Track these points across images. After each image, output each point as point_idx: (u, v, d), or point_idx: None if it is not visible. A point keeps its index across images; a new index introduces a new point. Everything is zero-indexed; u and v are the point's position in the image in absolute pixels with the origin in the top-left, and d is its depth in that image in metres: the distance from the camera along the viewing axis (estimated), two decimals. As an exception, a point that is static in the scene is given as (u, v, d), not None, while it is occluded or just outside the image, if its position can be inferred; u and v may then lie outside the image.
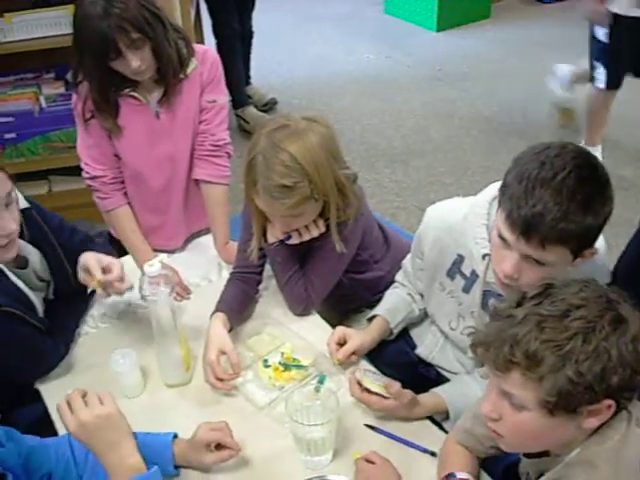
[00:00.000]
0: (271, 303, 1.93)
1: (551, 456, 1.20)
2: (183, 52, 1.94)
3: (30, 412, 1.68)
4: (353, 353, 1.69)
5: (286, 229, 1.74)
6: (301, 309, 1.87)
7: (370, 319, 1.82)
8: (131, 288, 1.71)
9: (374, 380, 1.57)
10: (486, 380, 1.21)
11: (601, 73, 3.38)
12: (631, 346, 1.05)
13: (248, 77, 4.34)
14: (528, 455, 1.26)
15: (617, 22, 3.18)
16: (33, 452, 1.37)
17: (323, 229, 1.75)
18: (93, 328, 1.88)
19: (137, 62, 1.80)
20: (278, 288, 1.90)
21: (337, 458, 1.50)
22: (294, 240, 1.77)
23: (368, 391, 1.54)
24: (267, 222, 1.77)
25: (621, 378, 1.04)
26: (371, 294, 1.96)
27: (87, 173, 2.07)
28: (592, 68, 3.44)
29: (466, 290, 1.62)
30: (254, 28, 4.17)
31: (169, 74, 1.91)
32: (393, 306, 1.82)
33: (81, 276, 1.71)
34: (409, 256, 1.84)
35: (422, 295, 1.80)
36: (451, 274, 1.65)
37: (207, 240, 2.20)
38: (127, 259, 2.11)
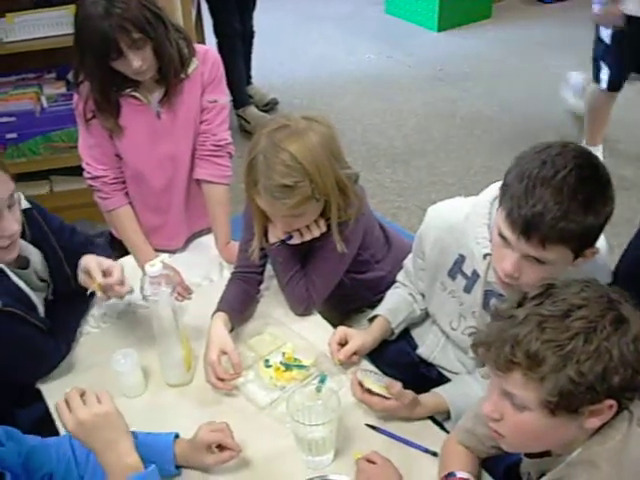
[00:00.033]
0: (272, 303, 1.93)
1: (552, 456, 1.20)
2: (184, 52, 1.94)
3: (31, 412, 1.69)
4: (354, 353, 1.69)
5: (287, 229, 1.74)
6: (302, 309, 1.87)
7: (371, 319, 1.82)
8: (131, 292, 1.71)
9: (375, 380, 1.57)
10: (487, 380, 1.21)
11: (605, 74, 3.40)
12: (632, 346, 1.05)
13: (249, 77, 4.35)
14: (529, 455, 1.26)
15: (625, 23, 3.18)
16: (33, 452, 1.37)
17: (324, 229, 1.75)
18: (94, 328, 1.88)
19: (138, 62, 1.80)
20: (279, 288, 1.90)
21: (338, 458, 1.50)
22: (295, 240, 1.77)
23: (369, 392, 1.54)
24: (268, 222, 1.77)
25: (622, 378, 1.04)
26: (372, 294, 1.96)
27: (88, 173, 2.07)
28: (596, 68, 3.45)
29: (467, 290, 1.62)
30: (255, 28, 4.17)
31: (170, 74, 1.91)
32: (394, 306, 1.82)
33: (81, 278, 1.71)
34: (410, 256, 1.84)
35: (423, 295, 1.80)
36: (452, 274, 1.65)
37: (208, 240, 2.20)
38: (128, 259, 2.11)
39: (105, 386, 1.44)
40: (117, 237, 2.22)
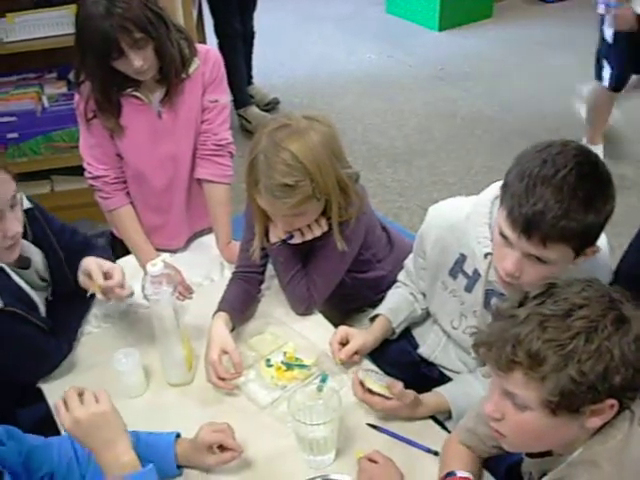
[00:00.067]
0: (273, 302, 1.93)
1: (554, 456, 1.20)
2: (185, 52, 1.94)
3: (33, 412, 1.69)
4: (355, 353, 1.69)
5: (288, 228, 1.74)
6: (303, 308, 1.87)
7: (372, 318, 1.82)
8: (131, 295, 1.72)
9: (376, 380, 1.57)
10: (488, 379, 1.21)
11: (607, 72, 3.40)
12: (634, 346, 1.05)
13: (250, 77, 4.35)
14: (531, 455, 1.26)
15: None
16: (34, 451, 1.37)
17: (325, 228, 1.75)
18: (96, 328, 1.88)
19: (139, 62, 1.80)
20: (280, 287, 1.90)
21: (340, 457, 1.50)
22: (296, 239, 1.77)
23: (370, 392, 1.54)
24: (269, 222, 1.77)
25: (624, 378, 1.04)
26: (373, 293, 1.96)
27: (89, 173, 2.07)
28: (598, 67, 3.45)
29: (468, 289, 1.62)
30: (256, 28, 4.17)
31: (171, 74, 1.92)
32: (395, 305, 1.82)
33: (82, 280, 1.71)
34: (411, 255, 1.84)
35: (424, 294, 1.80)
36: (453, 273, 1.65)
37: (209, 240, 2.20)
38: (130, 259, 2.12)
39: (106, 386, 1.44)
40: (118, 237, 2.23)
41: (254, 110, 4.18)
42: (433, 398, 1.60)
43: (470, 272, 1.61)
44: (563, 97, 4.35)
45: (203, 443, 1.43)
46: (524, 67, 4.87)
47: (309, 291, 1.84)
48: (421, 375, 1.81)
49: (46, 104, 3.13)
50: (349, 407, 1.58)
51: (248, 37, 4.14)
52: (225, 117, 2.08)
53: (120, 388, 1.66)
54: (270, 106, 4.36)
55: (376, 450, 1.45)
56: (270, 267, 1.91)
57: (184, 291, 1.93)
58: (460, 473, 1.36)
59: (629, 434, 1.10)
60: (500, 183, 1.40)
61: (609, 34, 3.27)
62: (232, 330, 1.76)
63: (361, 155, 3.94)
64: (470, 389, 1.61)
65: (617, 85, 3.44)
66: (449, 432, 1.55)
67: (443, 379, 1.75)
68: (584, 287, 1.10)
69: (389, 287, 1.89)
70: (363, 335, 1.73)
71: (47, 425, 1.54)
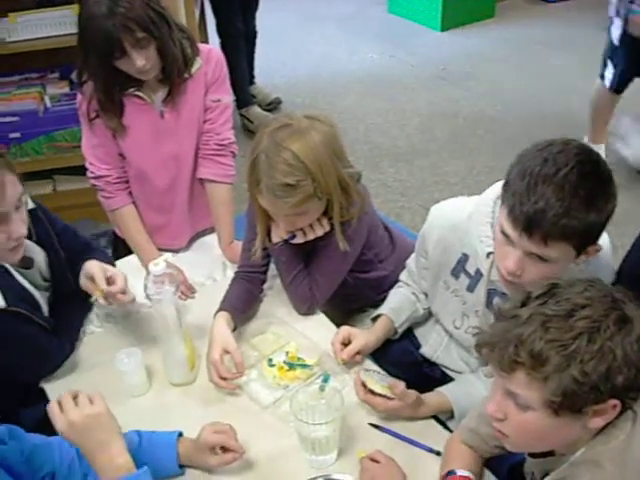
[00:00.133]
0: (276, 302, 1.93)
1: (556, 456, 1.20)
2: (188, 51, 1.94)
3: (35, 411, 1.68)
4: (357, 353, 1.69)
5: (290, 228, 1.74)
6: (306, 308, 1.87)
7: (374, 318, 1.82)
8: (133, 301, 1.72)
9: (379, 380, 1.57)
10: (490, 379, 1.21)
11: (609, 72, 3.42)
12: (636, 346, 1.05)
13: (252, 77, 4.35)
14: (533, 455, 1.26)
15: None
16: (36, 450, 1.37)
17: (327, 228, 1.75)
18: (98, 327, 1.88)
19: (142, 61, 1.80)
20: (283, 287, 1.90)
21: (342, 457, 1.50)
22: (298, 239, 1.77)
23: (372, 392, 1.54)
24: (271, 221, 1.77)
25: (626, 378, 1.04)
26: (375, 293, 1.96)
27: (92, 173, 2.08)
28: (603, 66, 3.47)
29: (470, 289, 1.62)
30: (257, 28, 4.17)
31: (174, 73, 1.92)
32: (397, 305, 1.82)
33: (83, 283, 1.71)
34: (413, 255, 1.84)
35: (426, 294, 1.80)
36: (455, 273, 1.65)
37: (212, 239, 2.20)
38: (132, 258, 2.12)
39: (109, 385, 1.45)
40: (120, 236, 2.23)
41: (256, 110, 4.18)
42: (435, 398, 1.60)
43: (472, 272, 1.61)
44: (565, 97, 4.37)
45: (205, 444, 1.43)
46: (526, 67, 4.87)
47: (311, 291, 1.84)
48: (423, 375, 1.81)
49: (48, 104, 3.13)
50: (351, 407, 1.58)
51: (250, 37, 4.14)
52: (227, 117, 2.08)
53: (122, 388, 1.66)
54: (272, 106, 4.36)
55: (378, 450, 1.45)
56: (272, 267, 1.92)
57: (186, 291, 1.93)
58: (460, 472, 1.36)
59: (631, 434, 1.10)
60: (502, 182, 1.40)
61: (616, 35, 3.30)
62: (234, 330, 1.76)
63: (363, 155, 3.94)
64: (472, 389, 1.61)
65: (618, 86, 3.46)
66: (451, 432, 1.54)
67: (445, 379, 1.75)
68: (586, 287, 1.10)
69: (391, 287, 1.89)
70: (365, 335, 1.73)
71: (49, 425, 1.53)
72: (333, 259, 1.81)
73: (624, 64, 3.36)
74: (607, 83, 3.46)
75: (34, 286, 1.69)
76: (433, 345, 1.81)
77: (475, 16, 5.52)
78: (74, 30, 1.84)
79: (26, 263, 1.67)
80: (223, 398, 1.67)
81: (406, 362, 1.81)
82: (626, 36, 3.23)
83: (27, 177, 2.98)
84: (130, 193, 2.12)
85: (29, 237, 1.62)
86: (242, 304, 1.84)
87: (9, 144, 3.07)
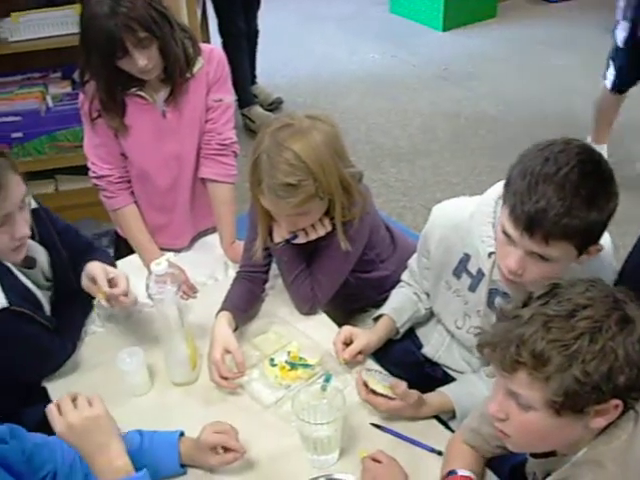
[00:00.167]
0: (277, 302, 1.93)
1: (558, 456, 1.20)
2: (189, 51, 1.94)
3: (37, 411, 1.68)
4: (359, 352, 1.69)
5: (292, 228, 1.74)
6: (307, 308, 1.87)
7: (376, 318, 1.82)
8: (135, 303, 1.72)
9: (380, 380, 1.57)
10: (492, 379, 1.21)
11: (611, 74, 3.43)
12: (638, 346, 1.05)
13: (254, 77, 4.35)
14: (535, 455, 1.26)
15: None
16: (37, 450, 1.37)
17: (329, 228, 1.75)
18: (100, 327, 1.88)
19: (144, 61, 1.80)
20: (284, 287, 1.90)
21: (343, 457, 1.50)
22: (300, 239, 1.77)
23: (374, 392, 1.54)
24: (273, 221, 1.77)
25: (628, 378, 1.04)
26: (377, 293, 1.96)
27: (94, 172, 2.08)
28: (606, 66, 3.48)
29: (472, 289, 1.62)
30: (259, 27, 4.17)
31: (176, 73, 1.92)
32: (399, 305, 1.82)
33: (85, 284, 1.71)
34: (415, 255, 1.84)
35: (428, 294, 1.80)
36: (457, 273, 1.65)
37: (213, 239, 2.20)
38: (134, 258, 2.12)
39: (110, 385, 1.45)
40: (122, 236, 2.23)
41: (258, 110, 4.18)
42: (437, 398, 1.60)
43: (474, 272, 1.61)
44: (566, 97, 4.36)
45: (206, 444, 1.43)
46: (528, 67, 4.86)
47: (313, 291, 1.84)
48: (425, 375, 1.81)
49: (50, 104, 3.13)
50: (353, 407, 1.58)
51: (252, 36, 4.14)
52: (229, 116, 2.08)
53: (124, 387, 1.66)
54: (274, 106, 4.36)
55: (380, 450, 1.45)
56: (274, 266, 1.92)
57: (188, 290, 1.93)
58: (461, 472, 1.36)
59: (633, 434, 1.10)
60: (504, 182, 1.40)
61: (620, 38, 3.31)
62: (235, 329, 1.76)
63: (365, 155, 3.94)
64: (474, 389, 1.61)
65: (619, 87, 3.47)
66: (453, 432, 1.54)
67: (447, 379, 1.75)
68: (588, 287, 1.10)
69: (393, 287, 1.89)
70: (367, 335, 1.73)
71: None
72: (335, 259, 1.81)
73: (626, 66, 3.37)
74: (608, 84, 3.47)
75: (36, 286, 1.69)
76: (435, 345, 1.81)
77: (477, 16, 5.52)
78: (76, 30, 1.84)
79: (29, 263, 1.67)
80: (225, 398, 1.67)
81: (408, 362, 1.81)
82: (631, 40, 3.24)
83: (29, 177, 2.95)
84: (132, 193, 2.12)
85: (32, 237, 1.62)
86: (244, 304, 1.84)
87: (11, 144, 3.08)
